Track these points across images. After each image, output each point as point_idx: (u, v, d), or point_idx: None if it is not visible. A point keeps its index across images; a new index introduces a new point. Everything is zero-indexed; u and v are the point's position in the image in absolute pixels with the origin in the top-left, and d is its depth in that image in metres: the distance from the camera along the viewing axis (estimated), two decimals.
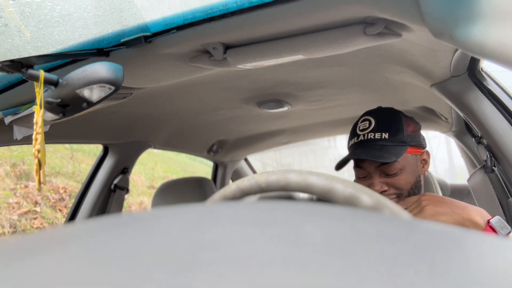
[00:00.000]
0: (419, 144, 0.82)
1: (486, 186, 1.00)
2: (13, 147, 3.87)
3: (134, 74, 0.80)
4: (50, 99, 0.53)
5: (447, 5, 0.42)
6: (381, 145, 0.78)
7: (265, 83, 1.08)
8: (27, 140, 0.87)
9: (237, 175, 2.28)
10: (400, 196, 0.78)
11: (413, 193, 0.79)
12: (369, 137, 0.79)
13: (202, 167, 7.14)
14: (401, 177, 0.78)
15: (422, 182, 0.83)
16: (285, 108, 1.31)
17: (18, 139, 0.86)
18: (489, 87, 0.90)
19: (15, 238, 0.18)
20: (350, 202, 0.31)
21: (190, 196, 1.34)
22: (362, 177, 0.82)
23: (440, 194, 1.28)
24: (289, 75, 1.02)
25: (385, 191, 0.78)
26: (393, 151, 0.76)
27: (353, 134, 0.84)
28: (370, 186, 0.79)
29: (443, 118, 1.40)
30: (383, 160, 0.75)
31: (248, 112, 1.40)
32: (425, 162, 0.84)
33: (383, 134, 0.78)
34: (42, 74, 0.52)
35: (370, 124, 0.81)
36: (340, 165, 0.86)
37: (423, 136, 0.85)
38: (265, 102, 1.25)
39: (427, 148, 0.87)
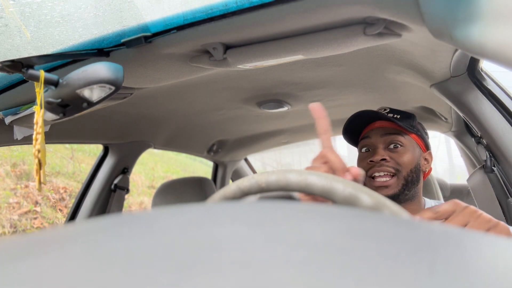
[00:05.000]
0: (425, 139, 0.86)
1: (485, 186, 1.01)
2: (14, 147, 3.87)
3: (134, 74, 0.80)
4: (50, 99, 0.53)
5: (447, 5, 0.42)
6: (393, 117, 0.82)
7: (265, 83, 1.08)
8: (28, 140, 0.87)
9: (237, 175, 2.28)
10: (397, 175, 0.78)
11: (410, 179, 0.79)
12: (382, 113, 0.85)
13: (202, 167, 7.14)
14: (404, 154, 0.79)
15: (421, 182, 0.83)
16: (285, 108, 1.32)
17: (19, 139, 0.86)
18: (489, 87, 0.90)
19: (16, 238, 0.18)
20: (350, 202, 0.31)
21: (190, 196, 1.34)
22: (365, 150, 0.84)
23: (440, 194, 1.28)
24: (289, 75, 1.02)
25: (385, 159, 0.78)
26: (402, 123, 0.81)
27: None
28: (372, 156, 0.79)
29: (443, 118, 1.40)
30: (393, 120, 0.79)
31: (248, 112, 1.40)
32: (427, 162, 0.85)
33: (395, 115, 0.84)
34: (42, 74, 0.52)
35: (384, 110, 0.87)
36: (348, 126, 0.88)
37: (428, 141, 0.88)
38: (265, 102, 1.25)
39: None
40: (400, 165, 0.78)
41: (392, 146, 0.81)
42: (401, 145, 0.80)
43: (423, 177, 0.85)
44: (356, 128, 0.88)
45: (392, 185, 0.78)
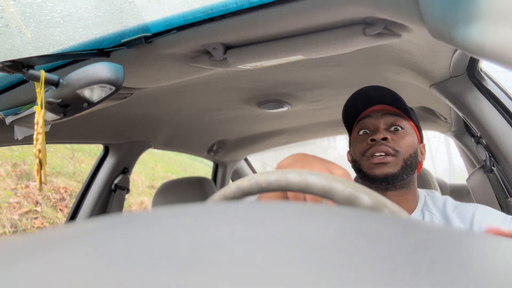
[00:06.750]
0: (420, 131, 0.85)
1: (485, 186, 1.01)
2: (14, 147, 3.87)
3: (134, 74, 0.80)
4: (51, 99, 0.53)
5: (446, 6, 0.42)
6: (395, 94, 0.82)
7: (265, 83, 1.08)
8: (28, 140, 0.87)
9: (237, 175, 2.28)
10: (397, 155, 0.76)
11: (409, 163, 0.77)
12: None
13: (202, 167, 7.14)
14: (405, 138, 0.78)
15: (416, 173, 0.82)
16: (285, 108, 1.32)
17: (19, 139, 0.86)
18: (488, 87, 0.90)
19: (16, 238, 0.18)
20: (349, 202, 0.31)
21: (190, 196, 1.34)
22: (364, 132, 0.82)
23: (439, 193, 1.28)
24: (289, 75, 1.02)
25: (386, 139, 0.76)
26: (403, 107, 0.81)
27: None
28: (373, 135, 0.77)
29: (443, 118, 1.40)
30: (398, 98, 0.78)
31: (248, 112, 1.40)
32: (422, 154, 0.84)
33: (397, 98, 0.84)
34: (43, 74, 0.52)
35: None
36: (348, 107, 0.86)
37: (422, 134, 0.87)
38: (265, 102, 1.25)
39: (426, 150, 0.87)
40: (400, 147, 0.77)
41: (392, 128, 0.79)
42: (402, 128, 0.79)
43: (420, 160, 0.83)
44: (354, 111, 0.86)
45: (392, 163, 0.75)
